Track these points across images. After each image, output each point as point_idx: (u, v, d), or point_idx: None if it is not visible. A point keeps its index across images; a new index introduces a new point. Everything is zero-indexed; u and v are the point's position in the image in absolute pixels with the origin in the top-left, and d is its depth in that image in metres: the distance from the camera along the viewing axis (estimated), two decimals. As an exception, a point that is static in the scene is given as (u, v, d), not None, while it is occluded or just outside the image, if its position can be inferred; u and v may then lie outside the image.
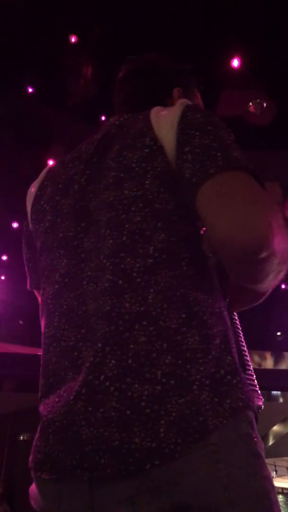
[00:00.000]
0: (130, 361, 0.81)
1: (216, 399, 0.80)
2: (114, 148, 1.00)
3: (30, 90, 4.05)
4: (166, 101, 1.14)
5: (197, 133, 0.91)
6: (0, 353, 5.03)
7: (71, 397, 0.83)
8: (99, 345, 0.84)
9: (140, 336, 0.83)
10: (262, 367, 6.64)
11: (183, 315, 0.85)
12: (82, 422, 0.80)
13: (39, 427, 0.91)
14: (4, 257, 4.96)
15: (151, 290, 0.86)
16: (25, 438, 6.49)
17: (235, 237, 0.81)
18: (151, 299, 0.85)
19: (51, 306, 0.97)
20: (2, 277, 5.04)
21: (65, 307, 0.94)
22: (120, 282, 0.87)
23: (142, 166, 0.94)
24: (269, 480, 0.82)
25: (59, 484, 0.85)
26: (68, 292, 0.94)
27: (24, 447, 6.74)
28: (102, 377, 0.81)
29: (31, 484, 0.93)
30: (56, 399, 0.87)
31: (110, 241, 0.91)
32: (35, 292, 1.16)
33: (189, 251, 0.92)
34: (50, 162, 4.21)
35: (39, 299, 1.12)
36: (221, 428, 0.78)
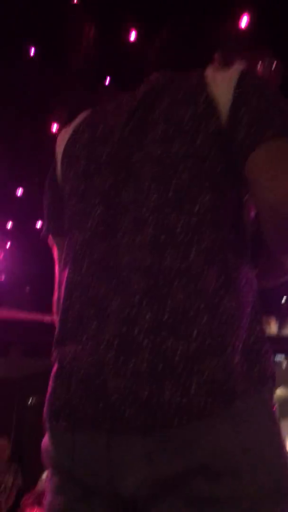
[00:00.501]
0: (166, 316, 0.81)
1: (245, 365, 0.81)
2: (164, 102, 0.98)
3: (32, 52, 3.97)
4: (207, 64, 1.11)
5: (254, 96, 0.90)
6: (7, 320, 5.08)
7: (101, 347, 0.83)
8: (136, 297, 0.84)
9: (178, 292, 0.82)
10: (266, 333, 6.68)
11: (222, 279, 0.85)
12: (111, 372, 0.80)
13: (55, 375, 0.90)
14: (9, 225, 4.93)
15: (193, 249, 0.86)
16: (33, 402, 6.64)
17: (286, 201, 0.82)
18: (193, 258, 0.85)
19: (79, 252, 0.96)
20: (8, 245, 5.04)
21: (96, 256, 0.93)
22: (163, 237, 0.87)
23: (195, 124, 0.92)
24: (285, 448, 0.83)
25: (75, 434, 0.85)
26: (100, 241, 0.93)
27: (32, 410, 6.92)
28: (136, 329, 0.81)
29: (39, 445, 0.94)
30: (80, 347, 0.87)
31: (155, 195, 0.90)
32: (50, 237, 1.13)
33: (232, 216, 0.92)
34: (54, 127, 4.15)
35: (55, 245, 1.11)
36: (247, 393, 0.79)
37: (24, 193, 4.67)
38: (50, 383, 0.91)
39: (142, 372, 0.79)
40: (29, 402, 6.66)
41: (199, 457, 0.76)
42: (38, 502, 2.37)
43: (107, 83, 4.00)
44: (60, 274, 1.08)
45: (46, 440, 0.92)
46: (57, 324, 0.96)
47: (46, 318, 4.96)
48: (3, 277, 5.13)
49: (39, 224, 4.73)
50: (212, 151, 0.91)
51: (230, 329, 0.82)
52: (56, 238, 1.12)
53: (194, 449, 0.77)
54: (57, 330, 0.95)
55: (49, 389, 0.91)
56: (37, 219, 4.75)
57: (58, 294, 1.09)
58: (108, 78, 3.97)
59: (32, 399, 6.61)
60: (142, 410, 0.77)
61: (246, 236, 0.96)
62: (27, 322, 5.05)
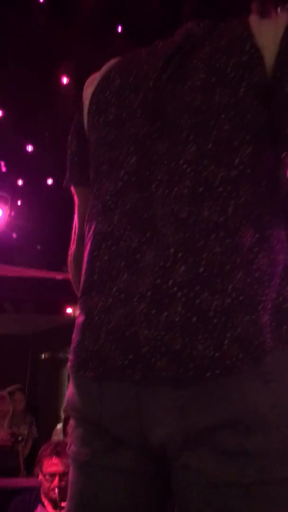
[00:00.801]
0: (201, 269, 0.80)
1: (274, 323, 0.81)
2: (204, 50, 0.93)
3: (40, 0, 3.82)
4: (243, 13, 1.05)
5: None
6: (18, 277, 5.13)
7: (134, 299, 0.82)
8: (171, 250, 0.82)
9: (215, 246, 0.81)
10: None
11: (257, 235, 0.84)
12: (143, 324, 0.80)
13: (81, 325, 0.89)
14: (20, 182, 4.87)
15: (232, 203, 0.84)
16: (45, 357, 6.80)
17: None
18: (231, 212, 0.83)
19: (110, 202, 0.93)
20: (19, 203, 4.99)
21: (128, 206, 0.90)
22: (201, 189, 0.84)
23: (239, 73, 0.88)
24: None
25: (103, 385, 0.85)
26: (133, 192, 0.90)
27: (45, 365, 7.09)
28: (170, 282, 0.80)
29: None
30: (110, 299, 0.86)
31: (194, 147, 0.87)
32: (72, 189, 1.10)
33: (271, 172, 0.89)
34: (65, 80, 4.04)
35: (77, 196, 1.08)
36: (276, 351, 0.79)
37: (34, 149, 4.60)
38: (76, 334, 0.90)
39: (175, 324, 0.78)
40: (42, 357, 6.81)
41: (229, 412, 0.77)
42: (56, 452, 2.45)
43: (119, 31, 3.86)
44: (80, 226, 1.06)
45: (71, 392, 0.92)
46: (83, 275, 0.94)
47: (58, 276, 5.00)
48: (14, 235, 5.13)
49: (50, 181, 4.67)
50: (255, 104, 0.87)
51: (262, 287, 0.81)
52: (78, 189, 1.08)
53: (225, 403, 0.77)
54: (83, 281, 0.93)
55: (75, 340, 0.90)
56: (47, 176, 4.70)
57: (75, 248, 1.07)
58: (119, 27, 3.83)
59: (44, 354, 6.76)
60: (174, 361, 0.77)
61: (281, 194, 0.93)
62: (39, 280, 5.10)
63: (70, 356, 0.91)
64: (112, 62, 1.07)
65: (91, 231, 0.95)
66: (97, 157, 0.99)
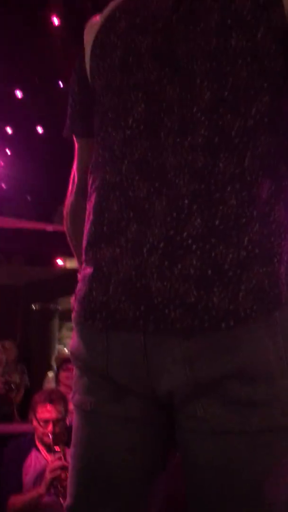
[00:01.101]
0: (217, 222, 0.79)
1: None
2: None
3: None
4: None
5: None
6: (9, 229, 5.09)
7: (144, 250, 0.81)
8: (185, 201, 0.80)
9: (231, 198, 0.80)
10: None
11: (273, 187, 0.82)
12: (154, 275, 0.79)
13: (89, 277, 0.88)
14: (9, 130, 4.69)
15: (248, 154, 0.81)
16: (36, 308, 6.85)
17: None
18: (248, 163, 0.81)
19: (117, 152, 0.89)
20: (8, 152, 4.85)
21: (137, 156, 0.87)
22: (216, 139, 0.82)
23: (256, 15, 0.83)
24: None
25: (110, 335, 0.85)
26: (142, 140, 0.87)
27: (36, 316, 7.16)
28: (185, 234, 0.79)
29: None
30: (118, 250, 0.85)
31: (208, 94, 0.83)
32: (74, 138, 1.06)
33: (286, 123, 0.86)
34: (55, 20, 3.84)
35: (78, 147, 1.05)
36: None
37: (23, 95, 4.43)
38: (83, 285, 0.89)
39: (190, 277, 0.78)
40: (33, 308, 6.87)
41: (237, 362, 0.78)
42: (50, 399, 2.50)
43: None
44: (81, 178, 1.03)
45: (75, 342, 0.92)
46: (89, 227, 0.91)
47: (48, 227, 4.96)
48: (3, 186, 5.03)
49: (40, 130, 4.52)
50: (273, 48, 0.83)
51: (278, 239, 0.81)
52: (80, 139, 1.04)
53: (234, 354, 0.78)
54: (90, 232, 0.91)
55: (82, 291, 0.89)
56: (38, 124, 4.55)
57: (74, 200, 1.05)
58: None
59: (35, 305, 6.81)
60: (189, 313, 0.77)
61: None
62: (29, 231, 5.06)
63: (75, 307, 0.90)
64: (116, 1, 0.99)
65: (96, 182, 0.92)
66: (102, 104, 0.94)
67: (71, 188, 1.06)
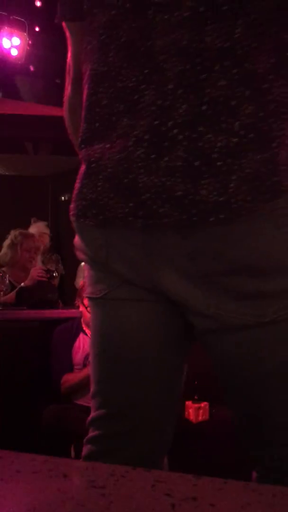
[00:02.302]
0: (204, 107, 0.72)
1: None
2: None
3: None
4: None
5: None
6: (35, 116, 4.90)
7: (130, 143, 0.77)
8: (170, 86, 0.73)
9: (219, 79, 0.72)
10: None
11: (272, 60, 0.72)
12: (141, 170, 0.75)
13: (82, 174, 0.85)
14: (38, 3, 4.23)
15: (239, 22, 0.72)
16: (66, 199, 6.85)
17: None
18: (238, 34, 0.72)
19: (104, 37, 0.82)
20: (37, 29, 4.44)
21: (123, 39, 0.79)
22: (202, 9, 0.73)
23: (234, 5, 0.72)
24: None
25: (108, 231, 0.83)
26: (129, 20, 0.78)
27: (65, 207, 7.18)
28: (170, 123, 0.73)
29: (73, 238, 0.93)
30: (107, 145, 0.81)
31: None
32: (65, 25, 0.95)
33: None
34: None
35: (69, 33, 0.94)
36: None
37: None
38: (78, 182, 0.86)
39: (176, 169, 0.73)
40: (62, 199, 6.87)
41: (242, 257, 0.75)
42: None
43: None
44: (75, 67, 0.94)
45: (76, 236, 0.91)
46: (82, 123, 0.86)
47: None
48: (32, 68, 4.73)
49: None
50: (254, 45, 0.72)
51: (278, 120, 0.72)
52: (71, 25, 0.93)
53: (238, 249, 0.75)
54: (82, 129, 0.86)
55: (75, 188, 0.87)
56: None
57: (71, 92, 0.97)
58: None
59: (64, 196, 6.80)
60: (176, 208, 0.73)
61: None
62: (57, 118, 4.87)
63: (72, 204, 0.88)
64: None
65: (86, 73, 0.85)
66: None
67: (67, 79, 0.98)
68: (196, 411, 2.49)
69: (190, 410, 2.52)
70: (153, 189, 0.75)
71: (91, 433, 0.96)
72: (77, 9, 0.90)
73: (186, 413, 2.52)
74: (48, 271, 3.17)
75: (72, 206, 0.89)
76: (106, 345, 0.93)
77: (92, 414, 0.96)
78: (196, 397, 2.43)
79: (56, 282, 3.82)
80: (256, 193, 0.72)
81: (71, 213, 0.89)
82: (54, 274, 3.17)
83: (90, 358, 0.97)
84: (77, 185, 0.87)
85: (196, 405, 2.46)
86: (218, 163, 0.72)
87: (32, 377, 2.54)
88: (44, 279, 3.11)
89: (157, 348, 0.90)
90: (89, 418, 0.97)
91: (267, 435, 0.85)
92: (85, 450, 0.95)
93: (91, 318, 0.95)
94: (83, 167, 0.86)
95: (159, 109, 0.74)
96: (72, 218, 0.89)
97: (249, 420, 0.88)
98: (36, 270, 3.17)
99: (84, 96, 0.86)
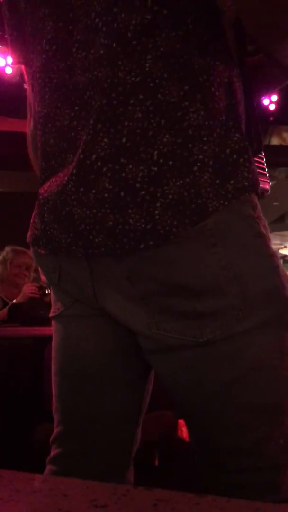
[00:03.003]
0: (124, 140, 0.74)
1: (218, 181, 0.75)
2: None
3: None
4: None
5: None
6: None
7: (66, 177, 0.80)
8: (91, 121, 0.76)
9: (135, 111, 0.74)
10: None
11: (186, 87, 0.74)
12: (74, 203, 0.78)
13: (36, 205, 0.90)
14: None
15: (149, 57, 0.74)
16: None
17: None
18: (149, 68, 0.74)
19: (40, 80, 0.85)
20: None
21: (55, 81, 0.82)
22: (114, 45, 0.74)
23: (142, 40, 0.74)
24: (275, 257, 0.81)
25: (57, 258, 0.87)
26: (57, 62, 0.82)
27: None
28: (93, 156, 0.76)
29: None
30: (53, 179, 0.85)
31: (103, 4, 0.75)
32: (23, 69, 0.98)
33: (197, 3, 0.76)
34: None
35: (26, 73, 0.97)
36: (221, 211, 0.75)
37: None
38: (34, 212, 0.91)
39: (104, 201, 0.75)
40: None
41: (175, 279, 0.76)
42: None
43: None
44: (32, 105, 0.96)
45: (34, 258, 0.97)
46: (40, 161, 0.90)
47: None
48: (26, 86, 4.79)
49: None
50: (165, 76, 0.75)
51: (198, 144, 0.74)
52: (24, 67, 0.95)
53: (169, 271, 0.76)
54: (40, 167, 0.89)
55: (32, 217, 0.92)
56: None
57: (30, 127, 0.98)
58: None
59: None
60: (109, 237, 0.75)
61: (220, 26, 0.79)
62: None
63: (28, 232, 0.93)
64: None
65: (34, 114, 0.90)
66: (27, 27, 0.87)
67: (28, 114, 1.00)
68: (189, 429, 2.46)
69: (183, 428, 2.50)
70: (87, 220, 0.77)
71: (52, 452, 0.97)
72: (24, 55, 0.93)
73: (179, 431, 2.50)
74: (40, 287, 3.15)
75: (28, 234, 0.93)
76: (62, 361, 0.95)
77: (54, 431, 0.97)
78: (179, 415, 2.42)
79: (48, 299, 3.81)
80: (181, 217, 0.73)
81: (27, 240, 0.94)
82: (46, 292, 3.15)
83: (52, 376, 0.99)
84: (32, 216, 0.92)
85: (189, 423, 2.43)
86: (142, 192, 0.74)
87: (25, 394, 2.51)
88: (36, 295, 3.10)
89: (108, 364, 0.92)
90: (51, 436, 0.98)
91: (217, 459, 0.84)
92: (46, 471, 0.95)
93: (53, 336, 0.98)
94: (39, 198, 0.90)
95: (84, 144, 0.77)
96: (30, 244, 0.94)
97: (200, 442, 0.88)
98: (29, 286, 3.16)
99: (37, 138, 0.90)
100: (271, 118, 4.91)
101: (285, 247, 11.57)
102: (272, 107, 4.81)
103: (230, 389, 0.79)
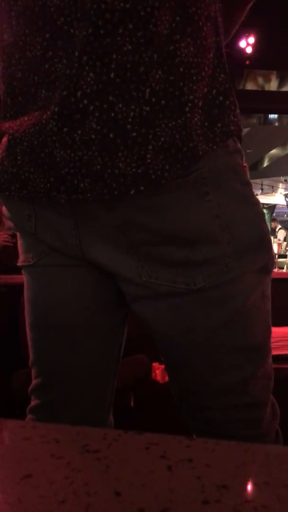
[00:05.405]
0: (112, 75, 0.68)
1: (206, 123, 0.72)
2: None
3: None
4: None
5: None
6: None
7: (44, 116, 0.73)
8: (76, 54, 0.68)
9: (125, 43, 0.67)
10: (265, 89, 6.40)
11: (177, 18, 0.69)
12: (56, 144, 0.72)
13: (3, 145, 0.82)
14: None
15: None
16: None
17: None
18: None
19: (4, 3, 0.77)
20: None
21: (19, 2, 0.74)
22: None
23: None
24: (260, 205, 0.83)
25: (33, 203, 0.83)
26: None
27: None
28: (79, 93, 0.69)
29: None
30: (25, 118, 0.77)
31: None
32: None
33: None
34: None
35: None
36: (211, 156, 0.73)
37: None
38: None
39: (91, 143, 0.70)
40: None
41: (168, 228, 0.75)
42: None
43: None
44: None
45: (4, 207, 0.90)
46: (2, 97, 0.82)
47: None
48: None
49: None
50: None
51: (189, 83, 0.70)
52: None
53: (162, 220, 0.75)
54: (5, 103, 0.82)
55: None
56: None
57: None
58: None
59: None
60: (97, 182, 0.71)
61: None
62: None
63: None
64: None
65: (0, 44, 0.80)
66: None
67: None
68: (162, 372, 2.55)
69: (157, 371, 2.58)
70: (71, 163, 0.72)
71: (32, 403, 0.97)
72: None
73: (153, 374, 2.58)
74: (14, 236, 3.10)
75: None
76: (37, 312, 0.92)
77: (32, 383, 0.97)
78: (162, 359, 2.49)
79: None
80: (173, 161, 0.70)
81: None
82: (19, 239, 3.11)
83: (26, 327, 0.97)
84: None
85: (163, 366, 2.52)
86: (133, 134, 0.69)
87: (1, 342, 2.53)
88: (9, 244, 3.05)
89: (87, 313, 0.91)
90: (30, 387, 0.98)
91: (202, 400, 0.87)
92: (27, 420, 0.96)
93: (24, 287, 0.95)
94: (4, 139, 0.82)
95: (67, 79, 0.70)
96: None
97: (184, 384, 0.90)
98: (1, 235, 3.10)
99: (0, 70, 0.81)
100: (247, 62, 4.79)
101: (257, 194, 11.68)
102: (249, 50, 4.69)
103: (220, 333, 0.81)
